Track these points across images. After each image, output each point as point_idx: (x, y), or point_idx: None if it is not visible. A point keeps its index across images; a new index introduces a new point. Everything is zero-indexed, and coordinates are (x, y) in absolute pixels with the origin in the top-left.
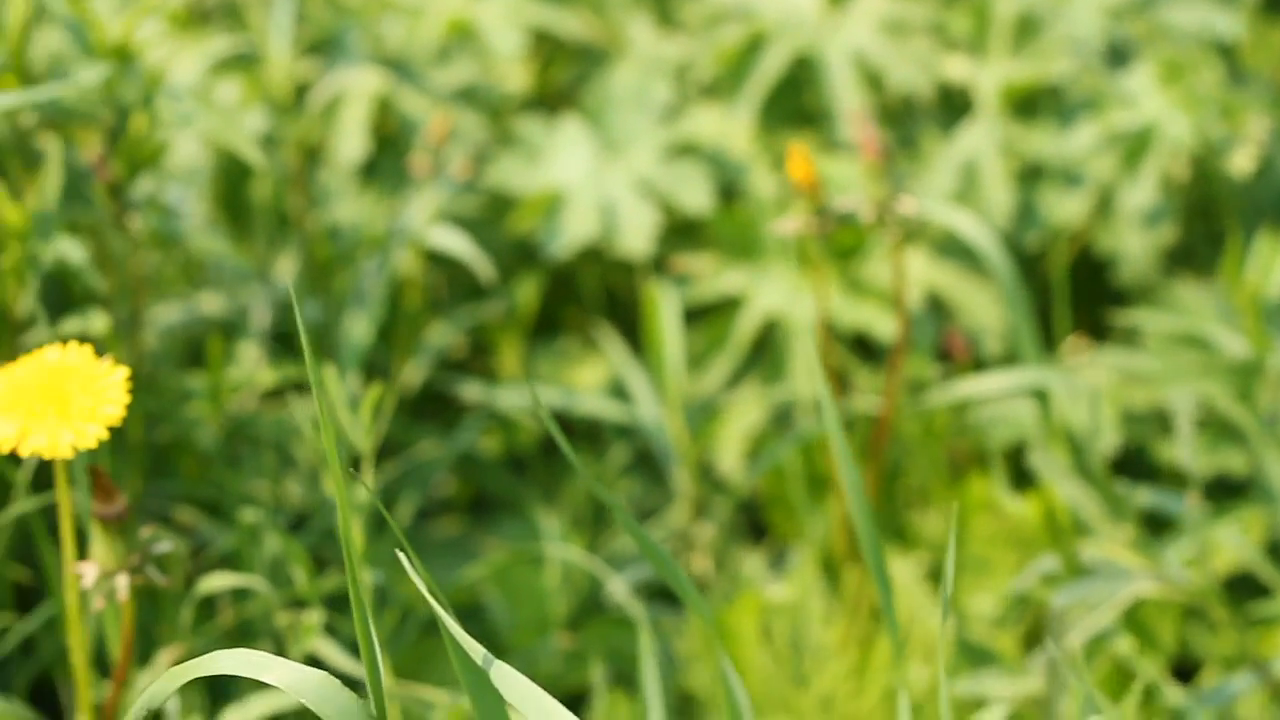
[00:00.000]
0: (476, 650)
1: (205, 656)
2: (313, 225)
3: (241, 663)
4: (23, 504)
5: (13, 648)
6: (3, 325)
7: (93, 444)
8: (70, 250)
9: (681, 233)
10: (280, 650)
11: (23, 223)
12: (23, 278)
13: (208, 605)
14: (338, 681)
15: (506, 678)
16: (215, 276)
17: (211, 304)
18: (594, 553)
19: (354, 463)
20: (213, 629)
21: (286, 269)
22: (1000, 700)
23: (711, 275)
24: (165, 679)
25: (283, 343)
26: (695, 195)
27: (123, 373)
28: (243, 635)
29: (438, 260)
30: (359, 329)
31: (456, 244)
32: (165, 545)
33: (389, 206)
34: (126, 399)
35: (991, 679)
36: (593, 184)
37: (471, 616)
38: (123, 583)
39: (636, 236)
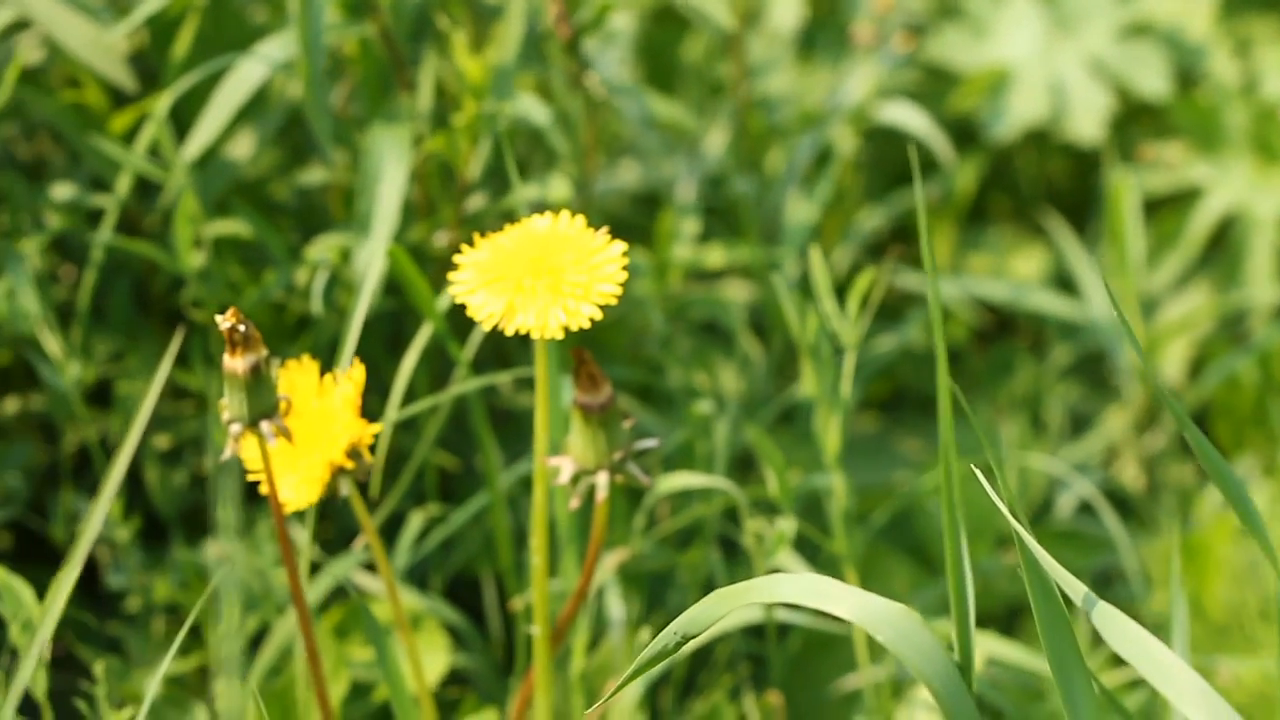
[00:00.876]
0: (1070, 582)
1: (762, 580)
2: (746, 95)
3: (805, 590)
4: (465, 384)
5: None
6: (449, 188)
7: (586, 324)
8: (533, 108)
9: (1129, 119)
10: (739, 561)
11: (482, 77)
12: (475, 137)
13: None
14: (918, 617)
15: (1107, 617)
16: (636, 146)
17: (630, 174)
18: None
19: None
20: (655, 532)
21: (714, 141)
22: None
23: (1180, 165)
24: (709, 603)
25: (710, 217)
26: (1152, 79)
27: (620, 247)
28: (685, 540)
29: (868, 138)
30: (802, 209)
31: (912, 119)
32: (650, 441)
33: (825, 78)
34: (623, 277)
35: None
36: (1042, 63)
37: (896, 526)
38: (603, 481)
39: (1088, 120)
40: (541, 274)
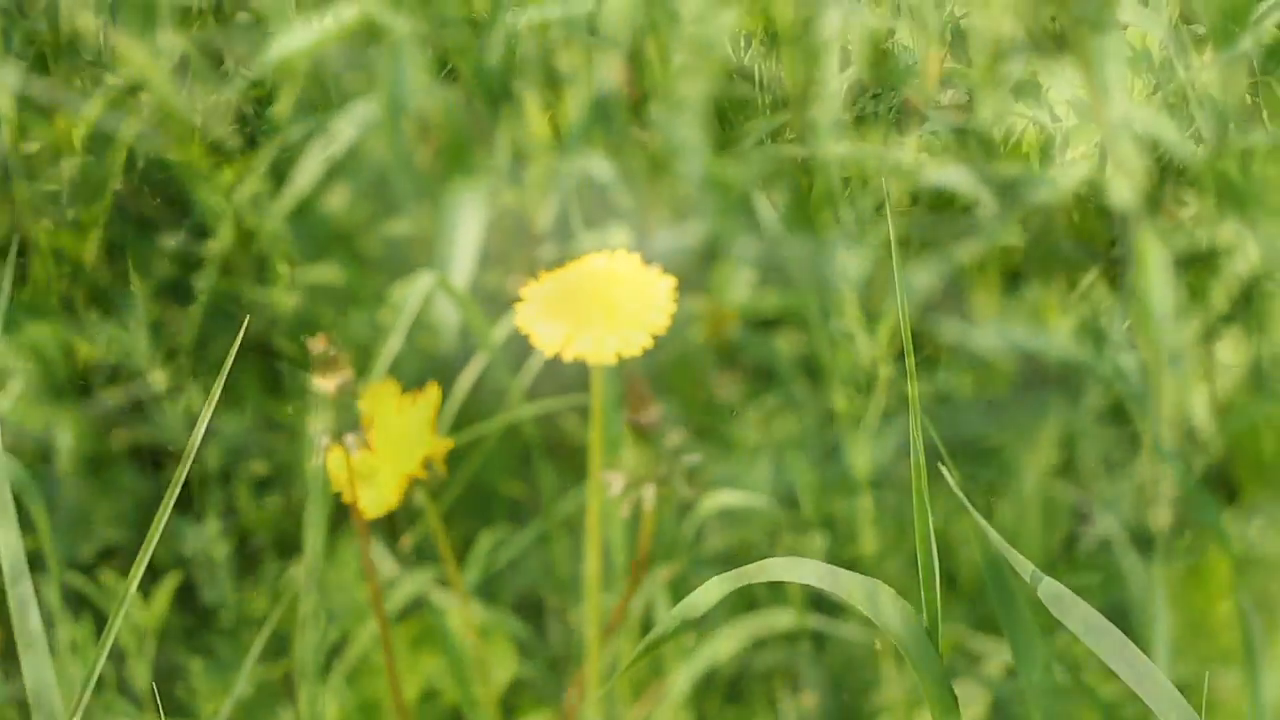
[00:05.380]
0: (1021, 562)
1: (754, 565)
2: (802, 157)
3: (787, 569)
4: (520, 411)
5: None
6: (523, 237)
7: (638, 351)
8: (597, 166)
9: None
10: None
11: (550, 137)
12: (545, 191)
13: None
14: (889, 588)
15: (1056, 596)
16: (698, 205)
17: (694, 233)
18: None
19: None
20: (700, 550)
21: (769, 201)
22: None
23: (1209, 223)
24: (707, 588)
25: (769, 272)
26: (1183, 142)
27: (669, 282)
28: (729, 559)
29: (918, 199)
30: (852, 260)
31: (957, 179)
32: (694, 457)
33: (879, 140)
34: (673, 309)
35: None
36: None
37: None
38: (650, 493)
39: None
40: (598, 306)
